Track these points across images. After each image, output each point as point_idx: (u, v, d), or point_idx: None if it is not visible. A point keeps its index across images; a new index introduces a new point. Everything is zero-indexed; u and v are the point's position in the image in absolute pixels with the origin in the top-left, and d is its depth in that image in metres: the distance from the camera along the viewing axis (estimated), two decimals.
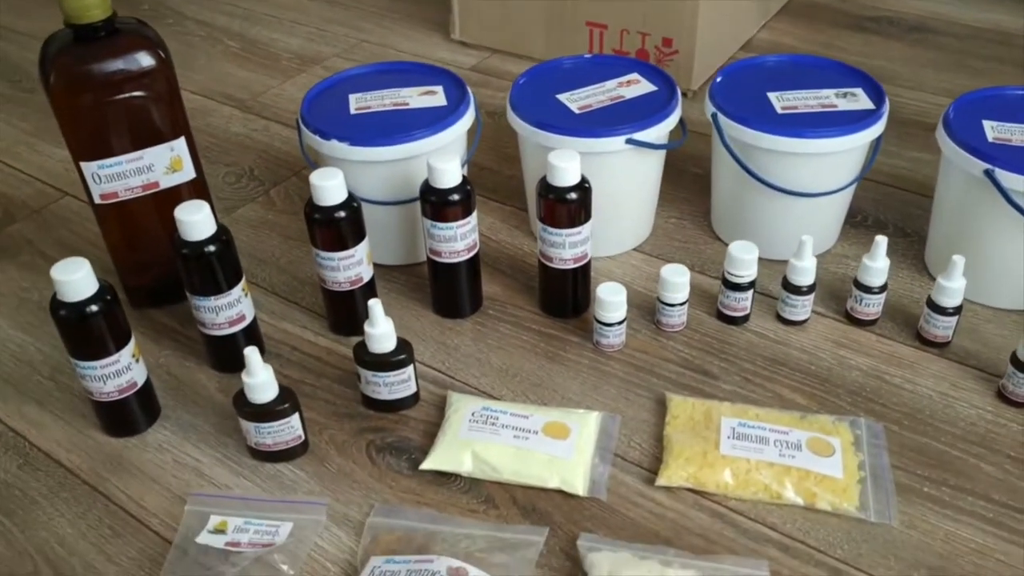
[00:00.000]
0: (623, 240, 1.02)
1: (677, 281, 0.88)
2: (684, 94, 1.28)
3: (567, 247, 0.88)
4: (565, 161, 0.84)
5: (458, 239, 0.88)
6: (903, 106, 1.26)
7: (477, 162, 1.19)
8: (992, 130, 0.89)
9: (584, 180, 0.86)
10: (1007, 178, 0.83)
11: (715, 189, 1.02)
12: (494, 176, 1.17)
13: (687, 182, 1.12)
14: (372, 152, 0.92)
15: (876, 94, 0.95)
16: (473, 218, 0.89)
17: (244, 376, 0.76)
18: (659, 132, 0.93)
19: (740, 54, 1.42)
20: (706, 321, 0.93)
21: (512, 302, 0.97)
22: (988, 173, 0.84)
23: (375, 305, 0.79)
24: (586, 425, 0.80)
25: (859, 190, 1.09)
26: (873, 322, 0.91)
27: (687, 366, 0.88)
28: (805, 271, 0.88)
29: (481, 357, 0.90)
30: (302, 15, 1.63)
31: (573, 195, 0.85)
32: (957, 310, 0.86)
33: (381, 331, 0.80)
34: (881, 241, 0.86)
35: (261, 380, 0.76)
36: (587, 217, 0.87)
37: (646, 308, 0.94)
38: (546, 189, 0.86)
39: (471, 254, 0.91)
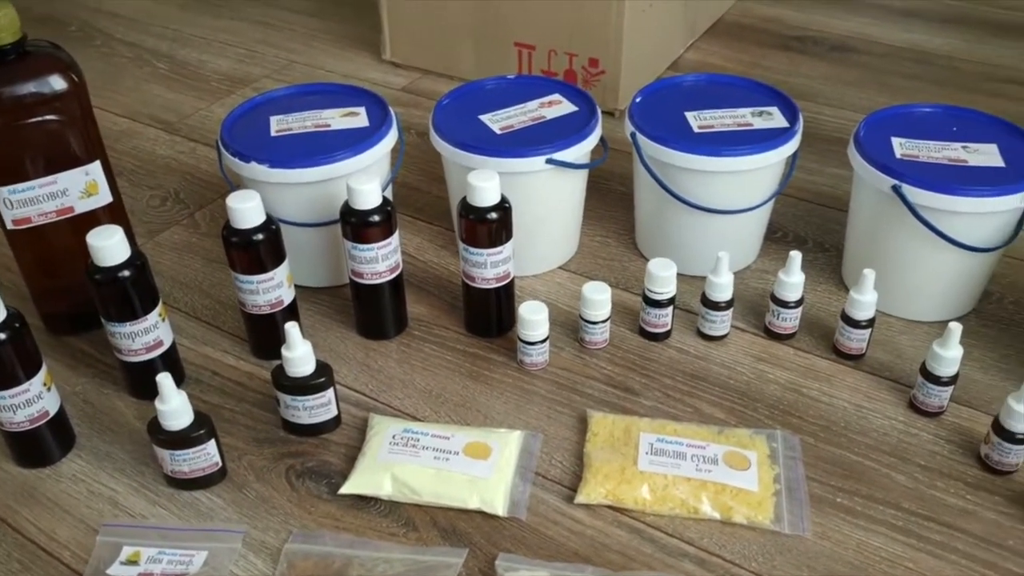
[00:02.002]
0: (548, 258, 1.03)
1: (598, 299, 0.89)
2: (611, 113, 1.30)
3: (488, 267, 0.88)
4: (484, 181, 0.84)
5: (379, 260, 0.88)
6: (824, 123, 1.29)
7: (405, 182, 1.19)
8: (900, 147, 0.91)
9: (504, 200, 0.86)
10: (914, 193, 0.86)
11: (637, 207, 1.04)
12: (422, 196, 1.17)
13: (613, 200, 1.14)
14: (292, 174, 0.91)
15: (790, 112, 0.97)
16: (395, 239, 0.88)
17: (157, 403, 0.75)
18: (579, 152, 0.94)
19: (668, 74, 1.44)
20: (629, 338, 0.94)
21: (438, 322, 0.97)
22: (896, 189, 0.86)
23: (292, 328, 0.79)
24: (508, 444, 0.81)
25: (780, 206, 1.11)
26: (791, 336, 0.93)
27: (609, 383, 0.89)
28: (722, 287, 0.90)
29: (405, 378, 0.90)
30: (232, 36, 1.62)
31: (493, 215, 0.86)
32: (870, 323, 0.88)
33: (298, 354, 0.80)
34: (795, 256, 0.88)
35: (174, 407, 0.75)
36: (508, 236, 0.88)
37: (570, 326, 0.95)
38: (466, 209, 0.86)
39: (394, 275, 0.91)
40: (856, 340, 0.89)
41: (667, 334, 0.93)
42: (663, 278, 0.89)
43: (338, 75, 1.47)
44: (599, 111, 0.99)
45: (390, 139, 0.96)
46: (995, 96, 1.36)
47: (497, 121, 0.98)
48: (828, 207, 1.13)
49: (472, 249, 0.88)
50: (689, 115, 0.97)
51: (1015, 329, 0.94)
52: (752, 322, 0.95)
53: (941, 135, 0.93)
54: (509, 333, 0.94)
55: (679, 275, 0.98)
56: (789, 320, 0.91)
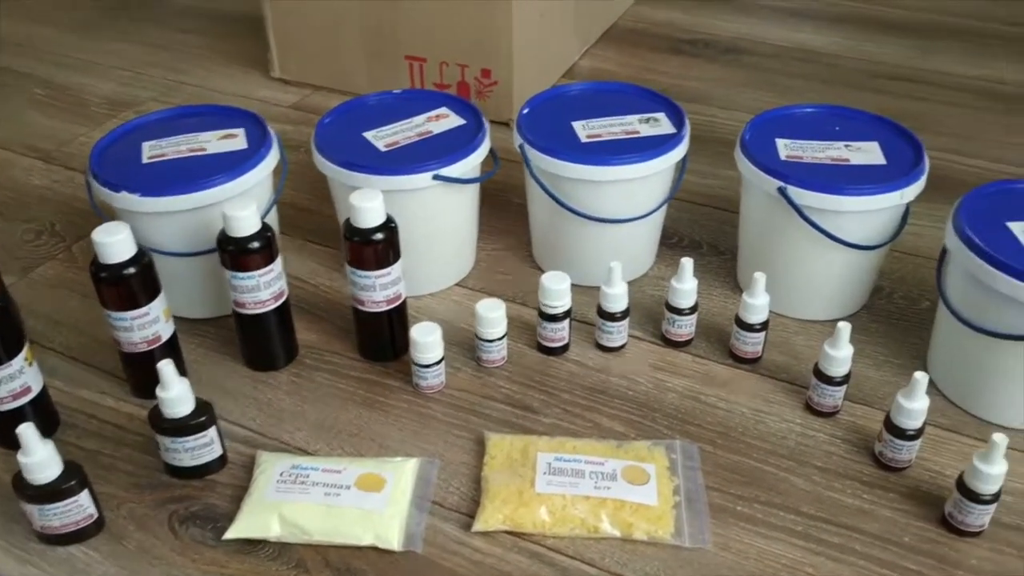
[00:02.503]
0: (444, 276, 1.01)
1: (492, 316, 0.87)
2: (507, 124, 1.28)
3: (377, 289, 0.86)
4: (367, 201, 0.82)
5: (262, 288, 0.84)
6: (717, 126, 1.30)
7: (295, 203, 1.15)
8: (785, 148, 0.92)
9: (390, 219, 0.84)
10: (799, 195, 0.86)
11: (532, 219, 1.02)
12: (313, 217, 1.13)
13: (509, 212, 1.12)
14: (166, 202, 0.87)
15: (677, 118, 0.97)
16: (277, 265, 0.85)
17: (20, 456, 0.70)
18: (467, 166, 0.92)
19: (563, 82, 1.43)
20: (528, 354, 0.92)
21: (330, 348, 0.94)
22: (781, 191, 0.86)
23: (165, 367, 0.75)
24: (403, 474, 0.78)
25: (675, 211, 1.11)
26: (688, 343, 0.92)
27: (508, 402, 0.87)
28: (617, 298, 0.89)
29: (296, 410, 0.87)
30: (116, 58, 1.56)
31: (379, 236, 0.83)
32: (764, 326, 0.88)
33: (174, 394, 0.75)
34: (686, 263, 0.88)
35: (40, 458, 0.70)
36: (396, 257, 0.85)
37: (469, 345, 0.93)
38: (350, 231, 0.83)
39: (279, 303, 0.87)
40: (751, 344, 0.89)
41: (565, 348, 0.92)
42: (557, 291, 0.88)
43: (227, 94, 1.42)
44: (486, 124, 0.97)
45: (270, 161, 0.93)
46: (879, 92, 1.39)
47: (382, 138, 0.95)
48: (722, 210, 1.13)
49: (359, 272, 0.85)
50: (577, 124, 0.96)
51: (904, 324, 0.95)
52: (650, 330, 0.95)
53: (824, 135, 0.94)
54: (405, 356, 0.92)
55: (576, 286, 0.97)
56: (685, 327, 0.91)
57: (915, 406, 0.75)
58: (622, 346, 0.92)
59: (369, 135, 0.96)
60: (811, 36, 1.57)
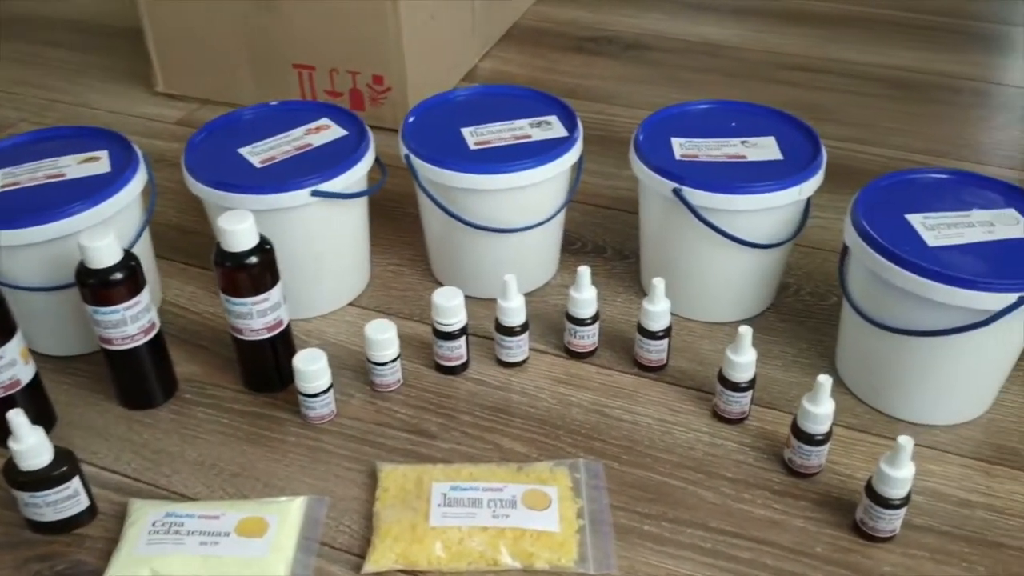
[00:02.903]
0: (335, 296, 0.95)
1: (381, 339, 0.82)
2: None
3: (255, 316, 0.80)
4: (236, 224, 0.76)
5: (128, 323, 0.78)
6: (620, 125, 1.27)
7: (176, 225, 1.08)
8: (680, 147, 0.89)
9: (264, 241, 0.78)
10: (695, 196, 0.83)
11: (426, 231, 0.97)
12: (195, 238, 1.06)
13: (405, 224, 1.07)
14: (20, 235, 0.80)
15: (569, 120, 0.93)
16: (144, 296, 0.78)
17: None
18: (349, 179, 0.87)
19: (463, 85, 1.39)
20: (425, 374, 0.88)
21: (212, 380, 0.87)
22: (676, 192, 0.83)
23: (15, 417, 0.68)
24: (288, 515, 0.72)
25: (577, 215, 1.07)
26: (592, 353, 0.89)
27: (404, 428, 0.82)
28: (514, 311, 0.84)
29: (174, 451, 0.80)
30: None
31: (252, 259, 0.77)
32: (666, 332, 0.84)
33: (28, 445, 0.69)
34: (583, 272, 0.84)
35: None
36: (274, 280, 0.80)
37: (362, 369, 0.87)
38: (221, 256, 0.77)
39: (149, 336, 0.81)
40: (655, 352, 0.85)
41: (464, 366, 0.87)
42: (449, 308, 0.83)
43: (107, 112, 1.34)
44: (370, 134, 0.92)
45: (135, 184, 0.86)
46: (783, 84, 1.38)
47: (257, 154, 0.89)
48: (626, 211, 1.09)
49: (234, 300, 0.79)
50: (465, 131, 0.92)
51: (812, 321, 0.93)
52: (553, 342, 0.91)
53: (720, 132, 0.91)
54: (293, 385, 0.86)
55: (476, 299, 0.93)
56: (587, 337, 0.87)
57: (820, 411, 0.72)
58: (524, 361, 0.88)
59: (244, 151, 0.90)
60: (715, 30, 1.55)
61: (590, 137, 1.15)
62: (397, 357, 0.84)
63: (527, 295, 0.96)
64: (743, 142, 0.89)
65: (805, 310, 0.95)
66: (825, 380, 0.71)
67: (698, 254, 0.87)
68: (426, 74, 1.26)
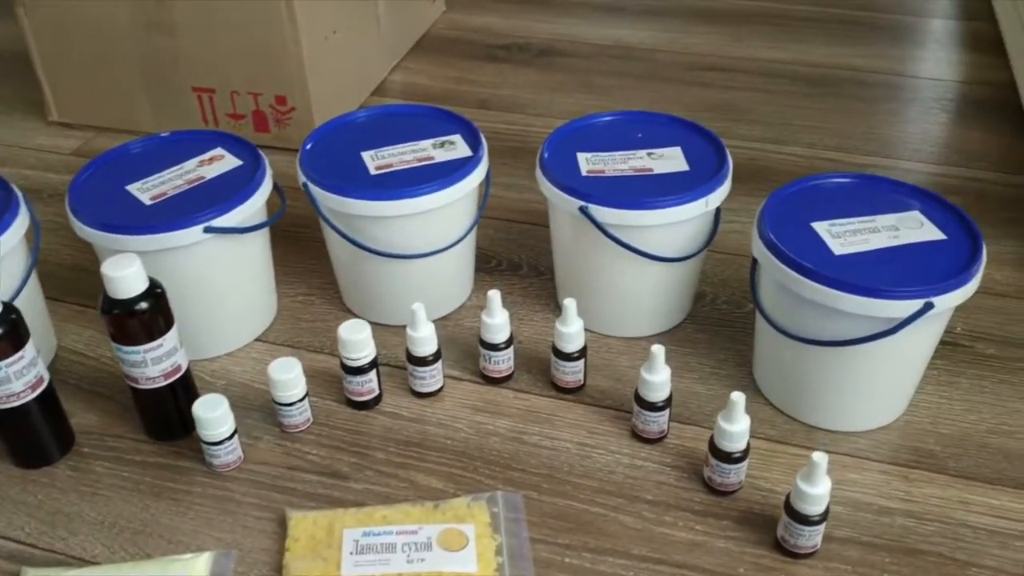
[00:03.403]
0: (239, 333, 0.91)
1: (286, 379, 0.79)
2: None
3: (150, 364, 0.76)
4: (121, 269, 0.72)
5: (12, 379, 0.73)
6: (533, 135, 1.25)
7: (74, 264, 1.03)
8: (587, 162, 0.87)
9: (155, 284, 0.74)
10: (602, 213, 0.81)
11: (333, 260, 0.94)
12: (94, 279, 0.99)
13: (313, 250, 1.03)
14: None
15: (473, 138, 0.91)
16: (28, 349, 0.74)
17: None
18: (246, 212, 0.83)
19: (373, 100, 1.36)
20: (337, 411, 0.84)
21: (112, 431, 0.83)
22: (584, 210, 0.81)
23: None
24: (191, 573, 0.69)
25: (492, 231, 1.05)
26: (508, 377, 0.86)
27: (316, 470, 0.79)
28: (423, 341, 0.82)
29: (72, 511, 0.76)
30: None
31: (142, 304, 0.73)
32: (582, 353, 0.83)
33: None
34: (494, 296, 0.81)
35: None
36: (168, 324, 0.76)
37: (270, 409, 0.84)
38: (109, 304, 0.73)
39: (38, 391, 0.76)
40: (571, 373, 0.83)
41: (377, 399, 0.84)
42: (356, 343, 0.80)
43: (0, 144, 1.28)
44: (265, 163, 0.88)
45: (16, 229, 0.81)
46: (695, 85, 1.38)
47: (147, 190, 0.85)
48: (541, 225, 1.07)
49: (125, 348, 0.75)
50: (366, 155, 0.89)
51: (730, 330, 0.92)
52: (470, 368, 0.88)
53: (626, 144, 0.89)
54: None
55: (387, 327, 0.90)
56: (502, 363, 0.85)
57: (735, 428, 0.71)
58: (439, 390, 0.85)
59: (133, 188, 0.85)
60: (628, 32, 1.54)
61: (504, 149, 1.13)
62: (305, 396, 0.81)
63: (442, 319, 0.94)
64: (649, 154, 0.88)
65: (722, 319, 0.94)
66: (738, 398, 0.70)
67: (610, 270, 0.86)
68: (332, 91, 1.22)
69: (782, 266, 0.73)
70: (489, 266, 1.01)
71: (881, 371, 0.76)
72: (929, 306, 0.69)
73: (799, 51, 1.47)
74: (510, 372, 0.86)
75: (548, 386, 0.86)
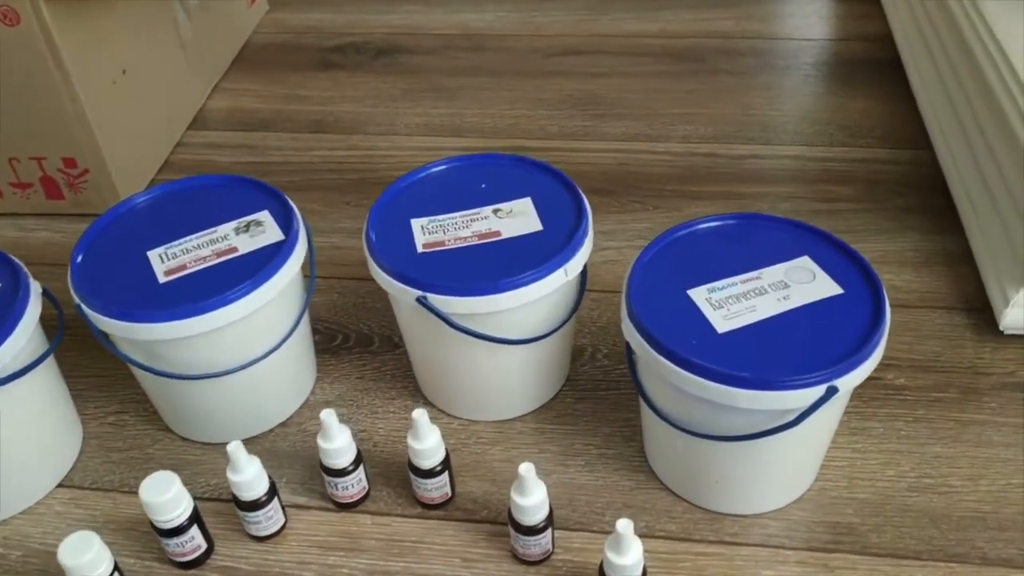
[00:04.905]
0: (33, 486, 0.75)
1: (79, 563, 0.63)
2: None
3: None
4: None
5: None
6: (378, 161, 1.09)
7: None
8: (422, 232, 0.73)
9: None
10: (444, 303, 0.67)
11: (138, 379, 0.78)
12: None
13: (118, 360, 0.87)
14: None
15: (284, 212, 0.75)
16: None
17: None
18: (6, 356, 0.67)
19: (192, 135, 1.17)
20: (159, 572, 0.70)
21: None
22: (422, 301, 0.67)
23: None
24: None
25: (334, 297, 0.92)
26: (361, 500, 0.73)
27: None
28: (247, 484, 0.67)
29: None
30: None
31: None
32: (444, 464, 0.69)
33: None
34: (329, 418, 0.67)
35: None
36: None
37: None
38: None
39: None
40: (435, 488, 0.70)
41: (207, 554, 0.70)
42: (161, 504, 0.65)
43: None
44: (30, 283, 0.71)
45: None
46: (555, 75, 1.24)
47: None
48: None
49: None
50: (153, 255, 0.72)
51: (614, 393, 0.80)
52: (318, 490, 0.74)
53: (468, 200, 0.75)
54: None
55: (220, 446, 0.76)
56: (351, 487, 0.71)
57: (627, 560, 0.60)
58: (280, 529, 0.72)
59: None
60: (474, 16, 1.38)
61: (344, 184, 1.01)
62: (113, 572, 0.66)
63: (280, 427, 0.80)
64: (496, 211, 0.74)
65: (606, 378, 0.82)
66: (624, 528, 0.58)
67: (465, 357, 0.72)
68: (131, 142, 1.04)
69: (660, 358, 0.61)
70: (333, 344, 0.87)
71: (785, 458, 0.66)
72: (832, 391, 0.59)
73: (662, 19, 1.34)
74: (365, 492, 0.73)
75: (412, 502, 0.73)
